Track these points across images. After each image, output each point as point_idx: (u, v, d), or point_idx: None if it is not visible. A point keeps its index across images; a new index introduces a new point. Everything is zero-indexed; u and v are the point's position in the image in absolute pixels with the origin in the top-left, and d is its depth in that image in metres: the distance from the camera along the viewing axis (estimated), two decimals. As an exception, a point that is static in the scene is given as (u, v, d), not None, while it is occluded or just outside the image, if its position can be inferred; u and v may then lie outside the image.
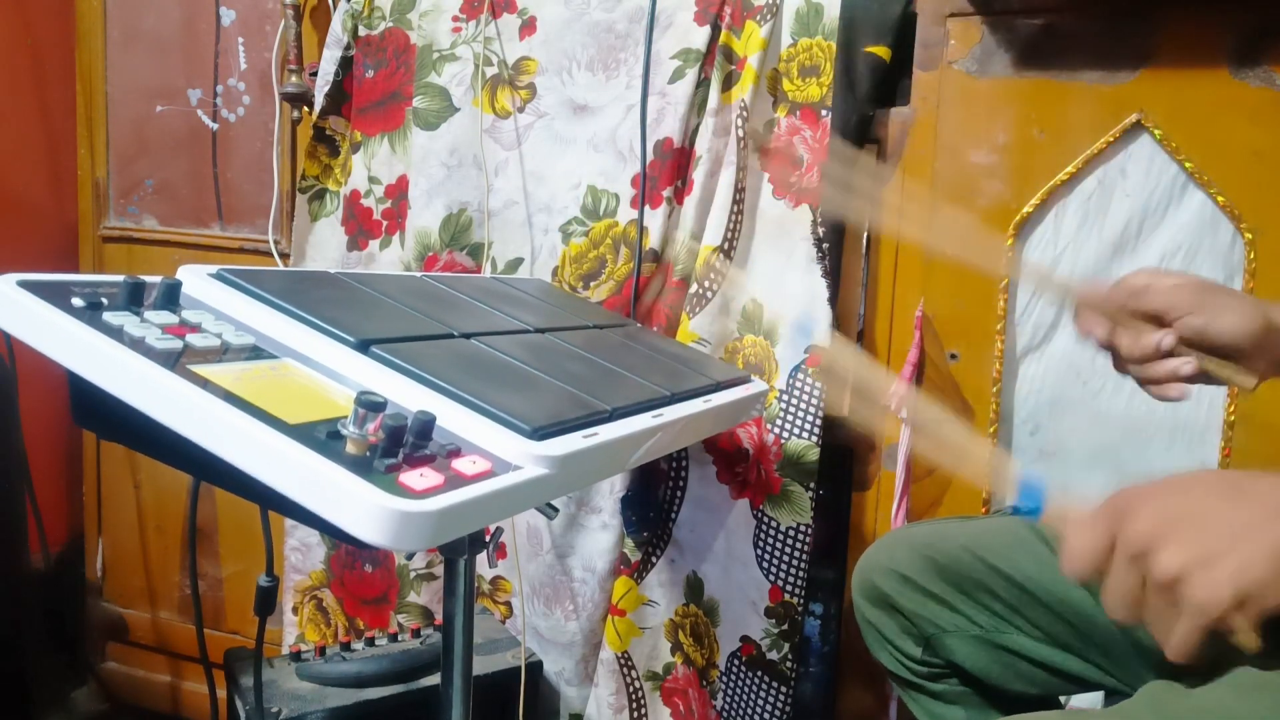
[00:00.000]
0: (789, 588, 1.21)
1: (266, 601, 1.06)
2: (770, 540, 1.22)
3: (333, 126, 1.44)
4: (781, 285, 1.23)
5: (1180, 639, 0.50)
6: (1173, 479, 0.54)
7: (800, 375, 1.20)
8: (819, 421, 1.19)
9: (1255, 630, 0.49)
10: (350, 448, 0.54)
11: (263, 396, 0.56)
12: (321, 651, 1.19)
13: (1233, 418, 1.05)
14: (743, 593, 1.25)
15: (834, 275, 1.20)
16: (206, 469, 0.55)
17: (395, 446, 0.55)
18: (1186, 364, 0.73)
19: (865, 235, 1.21)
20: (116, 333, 0.57)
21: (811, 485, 1.20)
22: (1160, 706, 0.60)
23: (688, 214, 1.24)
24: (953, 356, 1.17)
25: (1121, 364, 0.78)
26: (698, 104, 1.24)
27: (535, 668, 1.29)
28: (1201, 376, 0.74)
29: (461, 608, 0.76)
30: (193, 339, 0.61)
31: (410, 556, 1.41)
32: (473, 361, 0.76)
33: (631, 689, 1.32)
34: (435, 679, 1.15)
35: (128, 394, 0.55)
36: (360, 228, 1.42)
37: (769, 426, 1.22)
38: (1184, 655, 0.51)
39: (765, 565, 1.23)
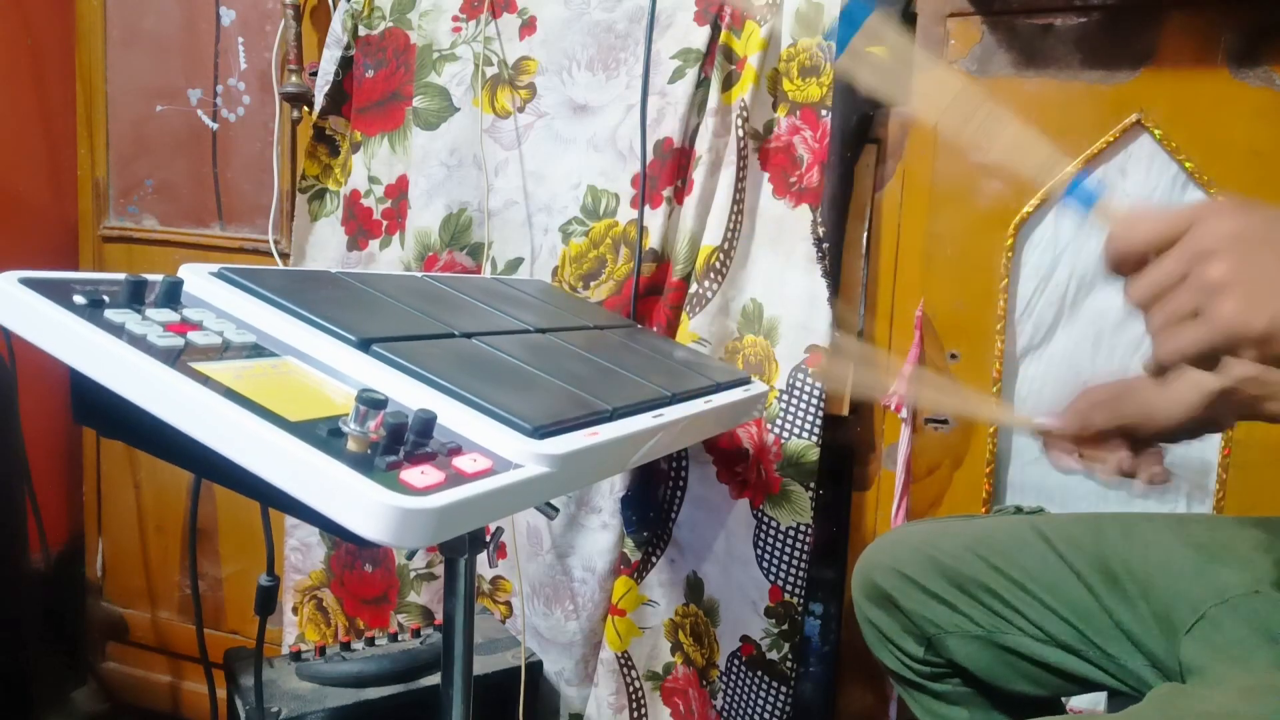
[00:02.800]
0: (789, 588, 1.21)
1: (267, 601, 1.06)
2: (770, 540, 1.22)
3: (333, 126, 1.44)
4: (781, 285, 1.23)
5: (1187, 343, 0.51)
6: (1259, 216, 0.54)
7: (800, 375, 1.20)
8: (819, 421, 1.19)
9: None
10: (351, 445, 0.54)
11: (264, 394, 0.56)
12: (321, 651, 1.18)
13: (1233, 417, 1.05)
14: (743, 593, 1.25)
15: (834, 275, 1.20)
16: (207, 466, 0.55)
17: (396, 444, 0.55)
18: (1156, 465, 0.82)
19: (865, 235, 1.22)
20: (118, 330, 0.58)
21: (811, 485, 1.20)
22: (1168, 711, 0.60)
23: (688, 214, 1.24)
24: (953, 356, 1.17)
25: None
26: (698, 104, 1.24)
27: (535, 668, 1.29)
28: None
29: (461, 607, 0.76)
30: (194, 337, 0.61)
31: (410, 556, 1.41)
32: (473, 361, 0.76)
33: (631, 689, 1.32)
34: (435, 679, 1.15)
35: (129, 391, 0.55)
36: (360, 227, 1.43)
37: (769, 426, 1.22)
38: (1176, 359, 0.52)
39: (765, 565, 1.23)
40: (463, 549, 0.74)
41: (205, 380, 0.55)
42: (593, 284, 1.31)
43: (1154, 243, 0.54)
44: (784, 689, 1.24)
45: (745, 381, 1.10)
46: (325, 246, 1.46)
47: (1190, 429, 0.80)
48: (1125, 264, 0.56)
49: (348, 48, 1.40)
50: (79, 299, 0.59)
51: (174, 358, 0.57)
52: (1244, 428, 1.05)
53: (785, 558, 1.21)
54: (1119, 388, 0.82)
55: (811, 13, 1.20)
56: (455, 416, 0.64)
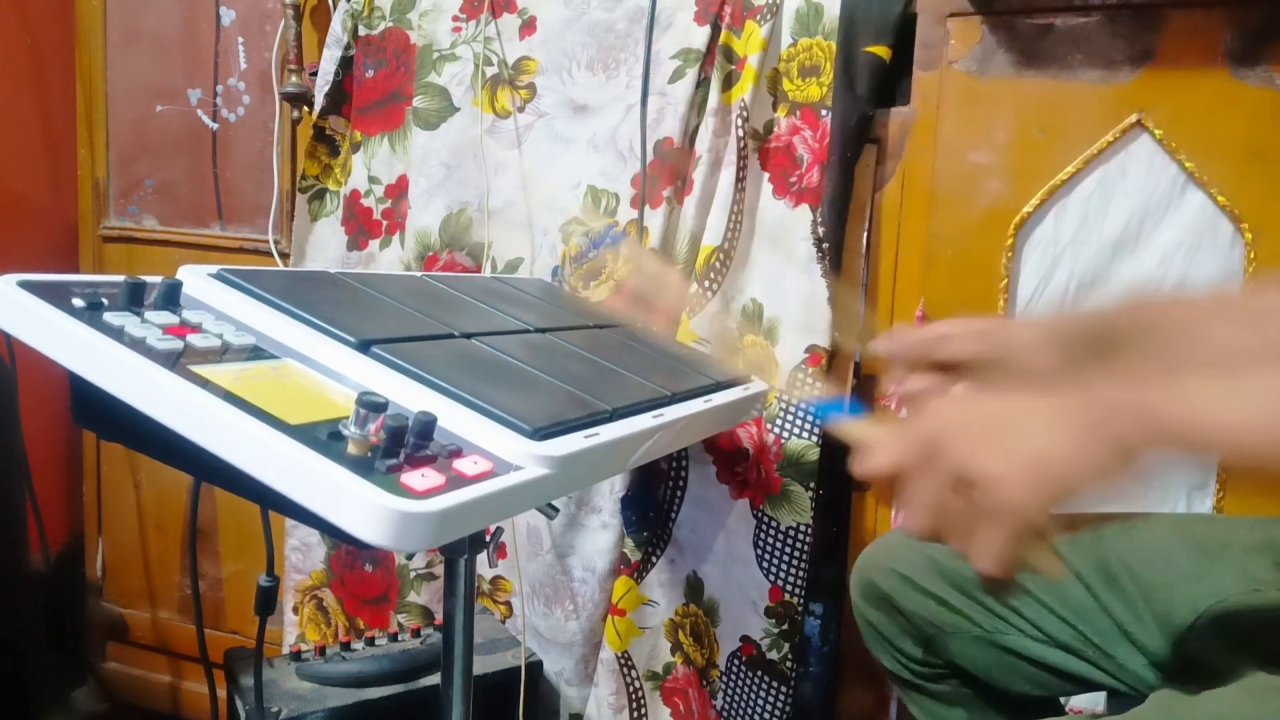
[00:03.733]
0: (789, 588, 1.21)
1: (267, 601, 1.06)
2: (770, 540, 1.22)
3: (333, 126, 1.44)
4: (781, 285, 1.23)
5: (988, 544, 0.50)
6: (982, 399, 0.56)
7: (800, 375, 1.20)
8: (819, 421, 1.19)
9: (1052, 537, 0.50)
10: (351, 448, 0.54)
11: (263, 397, 0.56)
12: (321, 651, 1.19)
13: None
14: (743, 592, 1.25)
15: (834, 275, 1.20)
16: (207, 469, 0.55)
17: (396, 447, 0.55)
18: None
19: (865, 235, 1.22)
20: (117, 333, 0.57)
21: (811, 485, 1.20)
22: (1172, 713, 0.60)
23: (688, 214, 1.24)
24: (953, 356, 1.17)
25: None
26: (698, 104, 1.24)
27: (535, 668, 1.29)
28: None
29: (462, 607, 0.76)
30: (193, 339, 0.61)
31: (410, 556, 1.41)
32: (473, 361, 0.76)
33: (631, 689, 1.32)
34: (435, 679, 1.15)
35: (128, 394, 0.55)
36: (360, 227, 1.42)
37: (769, 426, 1.22)
38: (994, 565, 0.50)
39: (765, 565, 1.23)
40: (463, 549, 0.74)
41: (204, 383, 0.55)
42: (593, 284, 1.30)
43: (903, 459, 0.54)
44: (784, 689, 1.24)
45: (745, 380, 1.10)
46: (325, 246, 1.46)
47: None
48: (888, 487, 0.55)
49: (348, 48, 1.40)
50: (77, 301, 0.59)
51: (173, 360, 0.57)
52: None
53: (785, 558, 1.21)
54: (973, 325, 0.75)
55: (811, 13, 1.19)
56: (455, 418, 0.64)
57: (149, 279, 0.64)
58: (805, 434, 1.19)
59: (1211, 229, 1.05)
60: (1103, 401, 0.52)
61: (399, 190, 1.39)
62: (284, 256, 1.51)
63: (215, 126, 1.55)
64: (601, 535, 1.30)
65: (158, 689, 1.67)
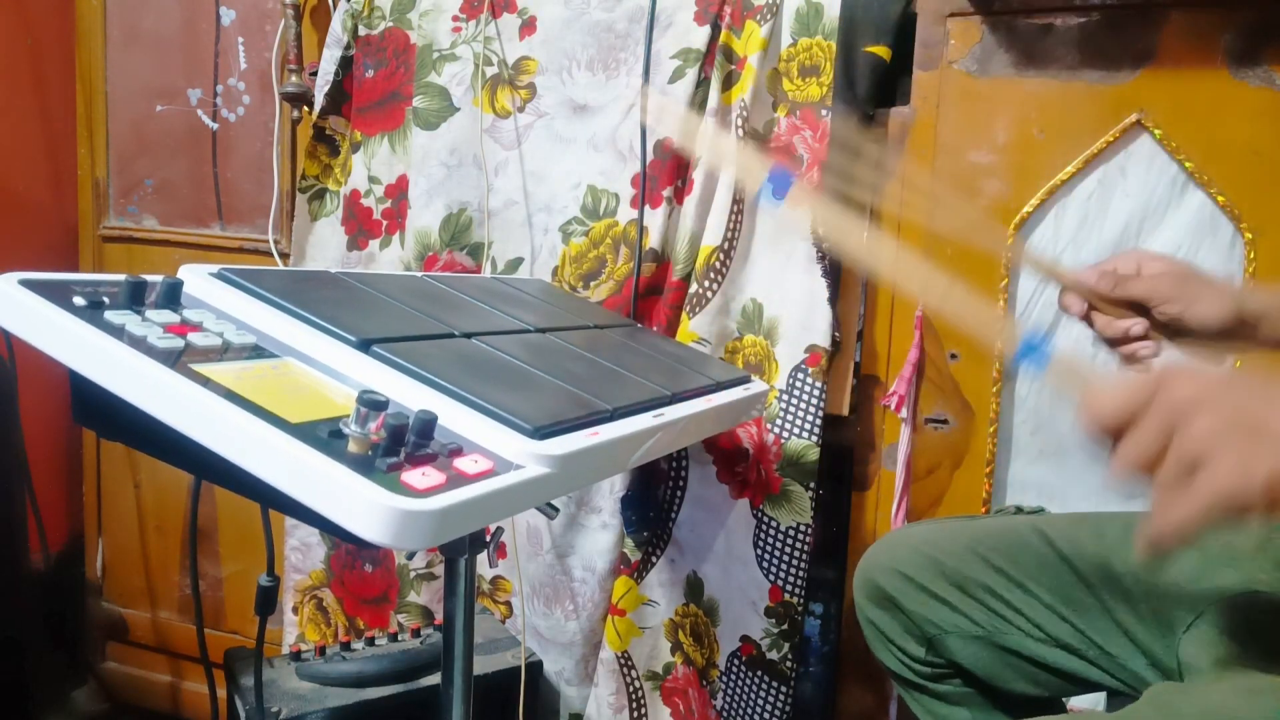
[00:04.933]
0: (789, 588, 1.21)
1: (267, 601, 1.06)
2: (770, 540, 1.22)
3: (333, 126, 1.44)
4: (781, 285, 1.23)
5: (1187, 516, 0.50)
6: (1221, 374, 0.55)
7: (800, 375, 1.20)
8: (819, 421, 1.19)
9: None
10: (352, 446, 0.54)
11: (264, 395, 0.56)
12: (321, 651, 1.18)
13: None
14: (743, 592, 1.25)
15: (834, 275, 1.20)
16: (207, 468, 0.55)
17: (397, 445, 0.55)
18: (1147, 349, 0.78)
19: (865, 235, 1.21)
20: (118, 331, 0.57)
21: (811, 485, 1.20)
22: (1166, 710, 0.60)
23: (688, 214, 1.24)
24: (953, 356, 1.17)
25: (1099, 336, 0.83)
26: (698, 104, 1.24)
27: (535, 667, 1.29)
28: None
29: (462, 607, 0.76)
30: (194, 338, 0.61)
31: (410, 556, 1.41)
32: (474, 361, 0.76)
33: (631, 689, 1.32)
34: (435, 679, 1.15)
35: (129, 392, 0.55)
36: (360, 227, 1.42)
37: (769, 426, 1.22)
38: (1175, 536, 0.50)
39: (765, 565, 1.23)
40: (463, 549, 0.74)
41: (205, 382, 0.55)
42: (593, 284, 1.30)
43: (1126, 412, 0.54)
44: (784, 689, 1.24)
45: (745, 380, 1.10)
46: (325, 246, 1.46)
47: (1209, 338, 0.77)
48: (1103, 437, 0.56)
49: (348, 47, 1.40)
50: (78, 300, 0.59)
51: (174, 359, 0.57)
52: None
53: (785, 558, 1.21)
54: (1166, 264, 0.79)
55: (811, 13, 1.20)
56: (456, 417, 0.64)
57: (150, 278, 0.64)
58: (805, 434, 1.19)
59: (1211, 229, 1.05)
60: None
61: (399, 190, 1.39)
62: (284, 256, 1.51)
63: (215, 126, 1.55)
64: (601, 535, 1.30)
65: (158, 689, 1.67)
